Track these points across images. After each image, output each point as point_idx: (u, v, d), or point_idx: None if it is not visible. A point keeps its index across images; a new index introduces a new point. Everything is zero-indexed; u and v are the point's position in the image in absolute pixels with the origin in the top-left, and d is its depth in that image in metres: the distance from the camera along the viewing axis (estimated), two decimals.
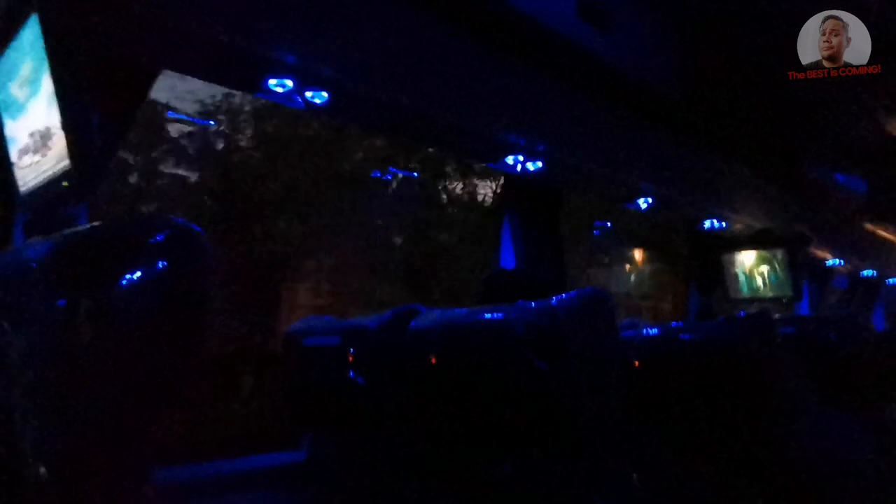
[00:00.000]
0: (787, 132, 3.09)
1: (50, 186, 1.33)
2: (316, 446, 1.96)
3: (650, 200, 3.34)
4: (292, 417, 1.96)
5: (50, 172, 1.32)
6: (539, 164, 2.61)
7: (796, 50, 2.39)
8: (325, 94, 1.87)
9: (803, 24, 2.39)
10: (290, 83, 1.78)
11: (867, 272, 5.86)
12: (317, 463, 1.92)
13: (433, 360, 1.61)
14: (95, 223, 0.94)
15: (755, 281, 4.25)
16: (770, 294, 4.20)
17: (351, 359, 1.72)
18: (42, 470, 0.85)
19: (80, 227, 0.96)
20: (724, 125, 2.82)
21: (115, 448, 0.85)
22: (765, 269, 4.23)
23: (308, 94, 1.85)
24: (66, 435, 0.86)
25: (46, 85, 1.28)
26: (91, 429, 0.84)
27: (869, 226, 4.51)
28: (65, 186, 1.29)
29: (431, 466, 1.62)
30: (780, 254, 4.17)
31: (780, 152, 3.21)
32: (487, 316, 1.56)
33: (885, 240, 4.83)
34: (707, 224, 3.97)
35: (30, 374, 0.89)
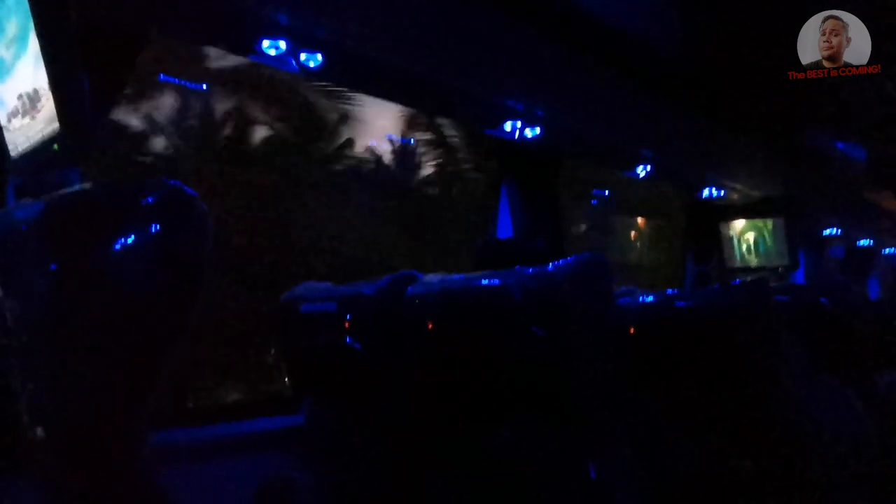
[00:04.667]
0: (789, 99, 3.05)
1: (40, 150, 1.31)
2: (314, 411, 1.97)
3: (649, 168, 3.32)
4: (290, 383, 1.97)
5: (40, 135, 1.30)
6: (537, 130, 2.58)
7: (796, 24, 2.37)
8: (319, 56, 1.84)
9: (803, 4, 2.37)
10: (283, 45, 1.75)
11: (864, 241, 5.88)
12: (315, 428, 1.94)
13: (430, 327, 1.61)
14: (86, 185, 0.93)
15: (752, 250, 4.26)
16: (767, 263, 4.21)
17: (347, 325, 1.72)
18: (39, 432, 0.85)
19: (70, 189, 0.94)
20: (725, 92, 2.79)
21: (110, 411, 0.85)
22: (761, 238, 4.24)
23: (302, 56, 1.82)
24: (61, 398, 0.86)
25: (33, 44, 1.24)
26: (86, 392, 0.84)
27: (867, 195, 4.50)
28: (55, 150, 1.27)
29: (428, 432, 1.63)
30: (777, 223, 4.18)
31: (781, 120, 3.18)
32: (485, 282, 1.55)
33: (882, 209, 4.82)
34: (705, 193, 3.96)
35: (24, 337, 0.88)
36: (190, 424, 1.86)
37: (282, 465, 1.83)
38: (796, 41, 2.37)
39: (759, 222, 4.17)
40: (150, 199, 0.84)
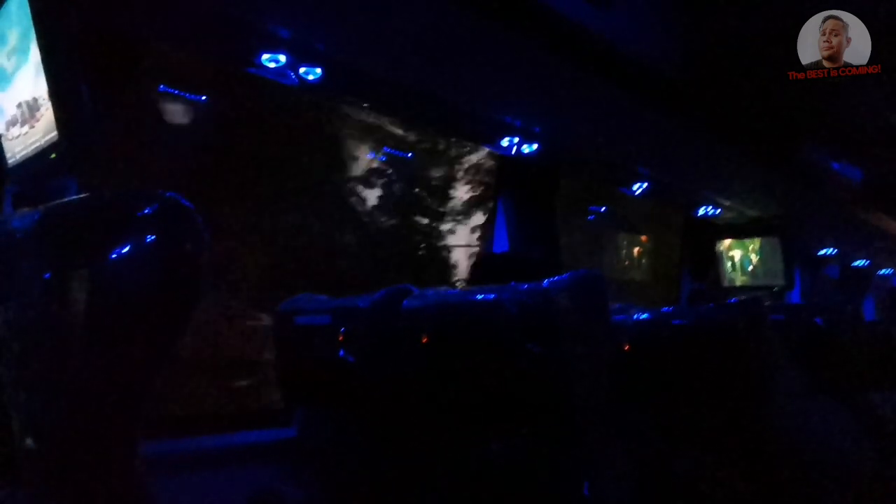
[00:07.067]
0: (785, 117, 3.07)
1: (38, 159, 1.31)
2: (306, 424, 1.96)
3: (645, 185, 3.33)
4: (283, 395, 1.96)
5: (38, 144, 1.30)
6: (534, 146, 2.60)
7: (795, 33, 2.39)
8: (318, 70, 1.85)
9: (802, 6, 2.38)
10: (283, 58, 1.76)
11: (859, 262, 5.89)
12: (307, 440, 1.93)
13: (425, 341, 1.61)
14: (82, 195, 0.93)
15: (747, 269, 4.26)
16: (762, 282, 4.22)
17: (342, 338, 1.72)
18: (29, 442, 0.85)
19: (66, 200, 0.94)
20: (722, 109, 2.81)
21: (102, 422, 0.85)
22: (757, 257, 4.25)
23: (301, 69, 1.83)
24: (54, 408, 0.85)
25: (34, 54, 1.25)
26: (79, 401, 0.84)
27: (863, 215, 4.52)
28: (53, 158, 1.27)
29: (421, 446, 1.62)
30: (773, 242, 4.19)
31: (777, 138, 3.20)
32: (480, 297, 1.55)
33: (878, 229, 4.84)
34: (701, 211, 3.98)
35: (16, 346, 0.88)
36: (181, 435, 1.85)
37: (272, 477, 1.82)
38: (796, 44, 2.38)
39: (760, 242, 4.19)
40: (146, 210, 0.85)
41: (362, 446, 1.75)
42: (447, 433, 1.60)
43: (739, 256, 4.29)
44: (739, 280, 4.28)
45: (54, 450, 0.85)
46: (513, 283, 1.50)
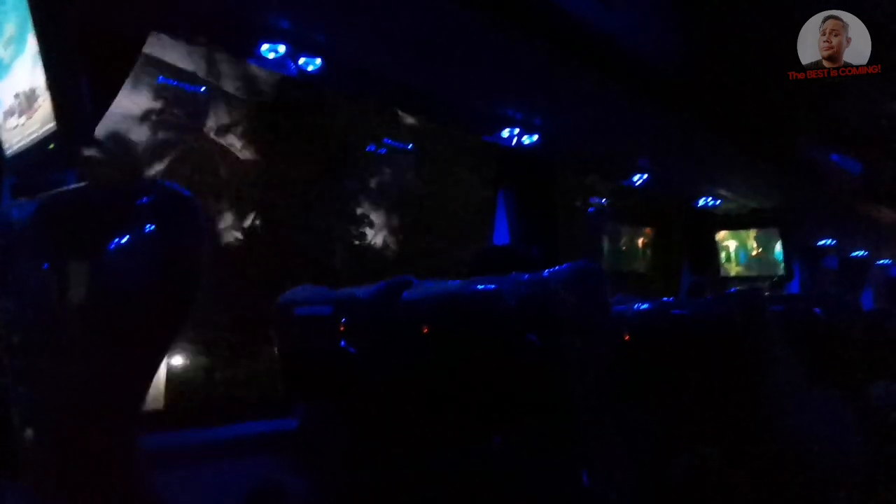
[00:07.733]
0: (785, 111, 3.07)
1: (36, 149, 1.31)
2: (307, 415, 1.97)
3: (645, 177, 3.33)
4: (283, 386, 1.97)
5: (36, 135, 1.29)
6: (535, 137, 2.59)
7: (795, 33, 2.39)
8: (318, 61, 1.84)
9: (802, 6, 2.38)
10: (283, 49, 1.75)
11: (858, 253, 5.91)
12: (307, 432, 1.93)
13: (425, 332, 1.61)
14: (80, 185, 0.93)
15: (746, 260, 4.27)
16: (761, 273, 4.23)
17: (342, 329, 1.72)
18: (29, 433, 0.85)
19: (64, 189, 0.94)
20: (721, 102, 2.81)
21: (102, 413, 0.85)
22: (757, 248, 4.25)
23: (301, 60, 1.82)
24: (53, 399, 0.85)
25: (31, 44, 1.24)
26: (78, 393, 0.84)
27: (862, 206, 4.53)
28: (51, 149, 1.27)
29: (421, 438, 1.63)
30: (772, 233, 4.20)
31: (776, 131, 3.20)
32: (480, 288, 1.55)
33: (876, 221, 4.85)
34: (701, 202, 3.98)
35: (16, 337, 0.88)
36: (181, 427, 1.85)
37: (273, 469, 1.83)
38: (796, 43, 2.37)
39: (760, 233, 4.20)
40: (145, 200, 0.84)
41: (362, 437, 1.76)
42: (447, 425, 1.60)
43: (737, 247, 4.30)
44: (739, 271, 4.29)
45: (54, 443, 0.85)
46: (513, 274, 1.50)
